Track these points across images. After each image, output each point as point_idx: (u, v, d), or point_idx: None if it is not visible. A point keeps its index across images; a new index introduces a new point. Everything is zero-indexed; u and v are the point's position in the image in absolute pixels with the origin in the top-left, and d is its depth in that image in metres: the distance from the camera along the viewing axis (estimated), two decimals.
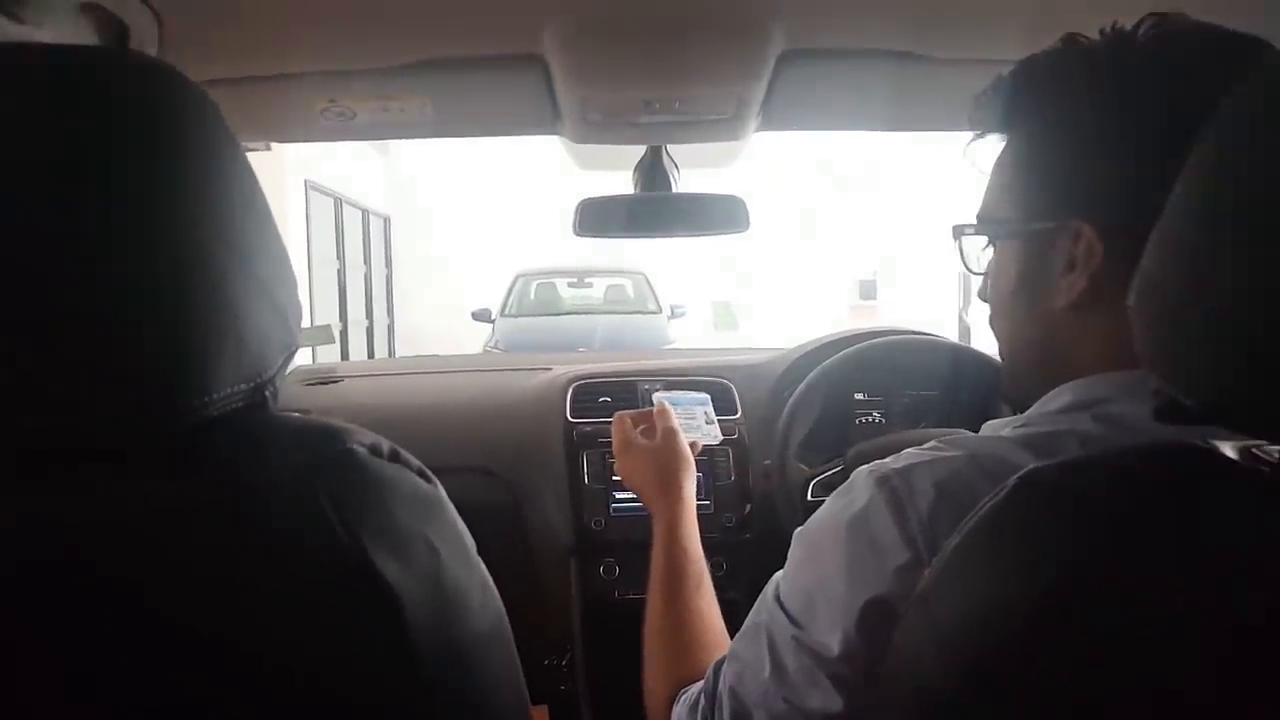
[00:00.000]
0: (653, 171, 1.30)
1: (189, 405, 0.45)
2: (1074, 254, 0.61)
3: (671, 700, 0.78)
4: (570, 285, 8.53)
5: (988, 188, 0.70)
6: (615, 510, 1.47)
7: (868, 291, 11.82)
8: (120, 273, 0.43)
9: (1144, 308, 0.45)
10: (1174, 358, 0.43)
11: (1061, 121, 0.62)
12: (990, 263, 0.72)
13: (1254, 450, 0.44)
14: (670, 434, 1.06)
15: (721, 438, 1.17)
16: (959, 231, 0.73)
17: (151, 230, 0.45)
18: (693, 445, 1.07)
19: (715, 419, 1.18)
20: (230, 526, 0.44)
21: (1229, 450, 0.44)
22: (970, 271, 0.75)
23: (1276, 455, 0.43)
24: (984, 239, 0.71)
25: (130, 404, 0.44)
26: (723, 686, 0.69)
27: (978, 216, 0.71)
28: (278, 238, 0.53)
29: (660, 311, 7.59)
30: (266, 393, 0.50)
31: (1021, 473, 0.46)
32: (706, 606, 0.90)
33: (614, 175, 1.41)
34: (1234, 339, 0.39)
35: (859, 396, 1.55)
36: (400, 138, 1.21)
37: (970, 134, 0.71)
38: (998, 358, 0.74)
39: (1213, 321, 0.40)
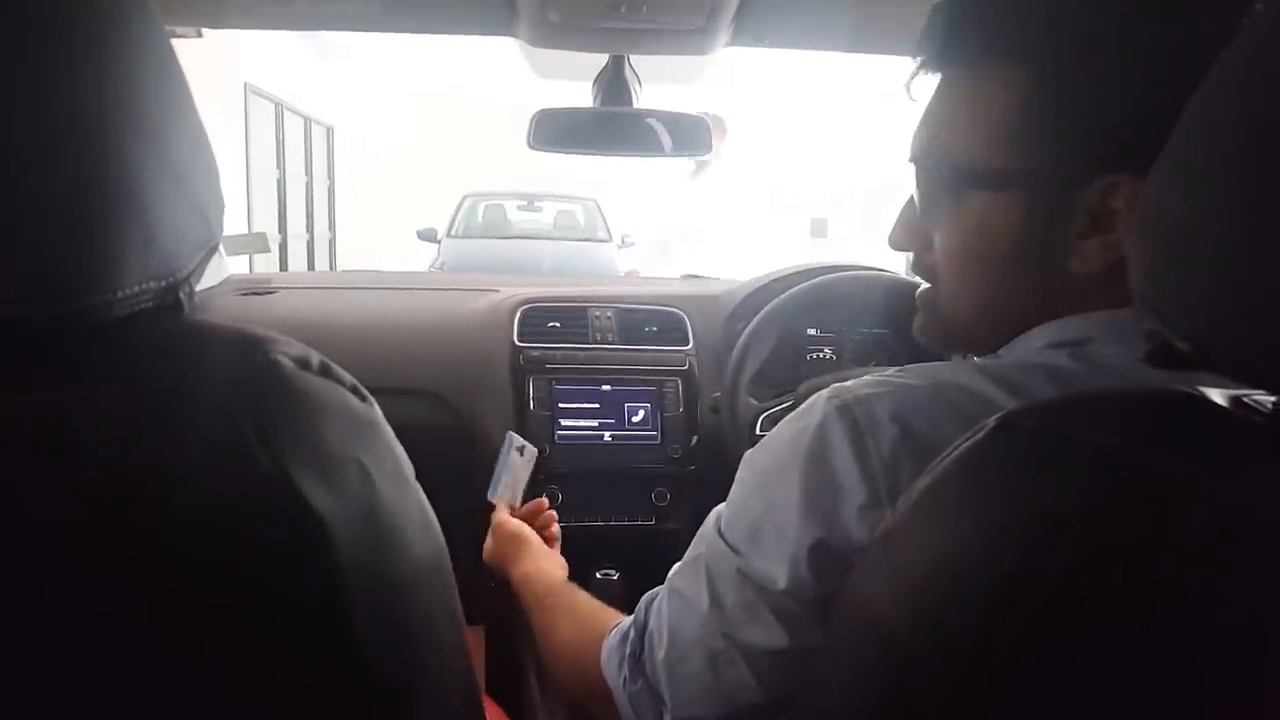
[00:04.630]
0: (614, 84, 1.23)
1: (89, 303, 0.40)
2: (1104, 212, 0.54)
3: (595, 651, 0.73)
4: (519, 208, 8.36)
5: (960, 125, 0.60)
6: (561, 437, 1.44)
7: (819, 229, 11.81)
8: (6, 149, 0.38)
9: (1144, 241, 0.42)
10: (1172, 295, 0.40)
11: (1107, 47, 0.53)
12: (951, 217, 0.61)
13: (1245, 400, 0.41)
14: (496, 527, 1.09)
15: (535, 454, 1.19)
16: (925, 180, 0.62)
17: (45, 103, 0.39)
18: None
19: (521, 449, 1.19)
20: (135, 443, 0.39)
21: (1219, 399, 0.41)
22: (916, 215, 0.65)
23: (1270, 406, 0.41)
24: (953, 187, 0.60)
25: (18, 299, 0.39)
26: (655, 623, 0.66)
27: (931, 160, 0.61)
28: (198, 124, 0.47)
29: (610, 240, 7.50)
30: (181, 294, 0.45)
31: (1000, 415, 0.43)
32: (583, 595, 0.90)
33: (573, 88, 1.34)
34: (1238, 277, 0.36)
35: (812, 332, 1.54)
36: (343, 29, 1.11)
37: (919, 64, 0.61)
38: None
39: (1217, 257, 0.37)
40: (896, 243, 0.67)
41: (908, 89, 0.64)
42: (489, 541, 1.07)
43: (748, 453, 0.63)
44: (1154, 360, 0.41)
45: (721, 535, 0.62)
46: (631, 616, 0.72)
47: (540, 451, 1.41)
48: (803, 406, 0.60)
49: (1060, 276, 0.57)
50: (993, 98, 0.57)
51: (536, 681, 1.28)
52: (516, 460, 1.17)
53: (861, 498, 0.54)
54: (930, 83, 0.63)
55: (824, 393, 0.59)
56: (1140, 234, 0.42)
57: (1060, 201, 0.56)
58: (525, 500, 1.14)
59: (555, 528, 1.12)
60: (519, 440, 1.17)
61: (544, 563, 0.99)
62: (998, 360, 0.58)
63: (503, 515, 1.10)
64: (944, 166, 0.61)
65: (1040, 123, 0.56)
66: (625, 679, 0.68)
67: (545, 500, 1.14)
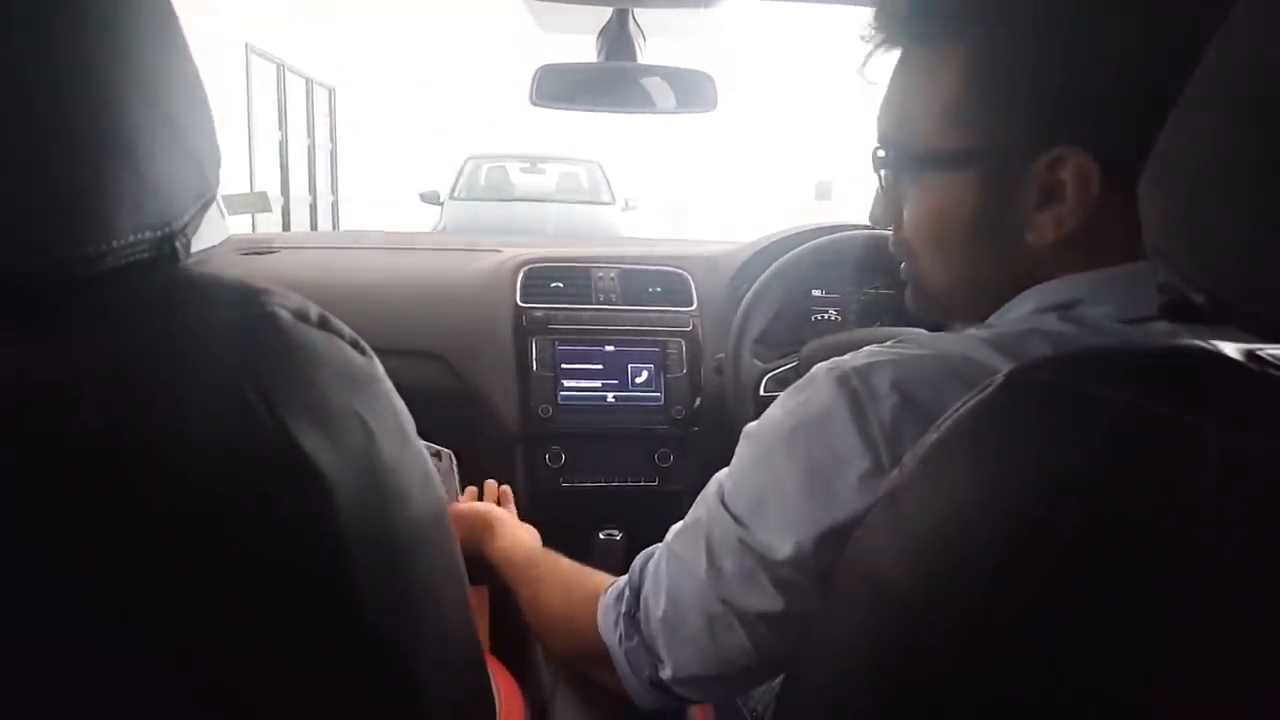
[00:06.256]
0: (618, 40, 1.21)
1: (83, 254, 0.39)
2: (1053, 184, 0.54)
3: (586, 612, 0.74)
4: (522, 170, 8.30)
5: (907, 106, 0.60)
6: (563, 399, 1.44)
7: (824, 192, 11.72)
8: None
9: (1158, 192, 0.41)
10: (1187, 247, 0.39)
11: (1046, 19, 0.54)
12: (914, 196, 0.62)
13: (1259, 354, 0.40)
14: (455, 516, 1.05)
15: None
16: (882, 164, 0.63)
17: (35, 48, 0.38)
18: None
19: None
20: (129, 396, 0.39)
21: (1233, 352, 0.41)
22: (885, 194, 0.65)
23: None
24: (911, 168, 0.61)
25: (7, 248, 0.38)
26: (652, 584, 0.67)
27: (891, 142, 0.62)
28: (194, 73, 0.46)
29: (614, 203, 7.45)
30: (177, 245, 0.44)
31: (1009, 370, 0.42)
32: (563, 560, 0.89)
33: (576, 42, 1.32)
34: (1256, 228, 0.35)
35: (816, 293, 1.53)
36: None
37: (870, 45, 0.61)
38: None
39: (1234, 208, 0.36)
40: (874, 218, 0.68)
41: (861, 72, 0.63)
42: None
43: (748, 425, 0.63)
44: (1168, 314, 0.40)
45: (724, 505, 0.62)
46: (626, 576, 0.72)
47: (543, 413, 1.41)
48: (802, 379, 0.60)
49: (1021, 250, 0.57)
50: (939, 75, 0.58)
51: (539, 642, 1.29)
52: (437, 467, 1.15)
53: (864, 466, 0.54)
54: (888, 64, 0.62)
55: (823, 365, 0.59)
56: (1153, 185, 0.41)
57: (1011, 177, 0.56)
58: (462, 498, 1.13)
59: (510, 505, 1.11)
60: (432, 447, 1.14)
61: (519, 534, 0.99)
62: (994, 329, 0.58)
63: (455, 506, 1.08)
64: (902, 148, 0.62)
65: (984, 98, 0.56)
66: (621, 636, 0.69)
67: (494, 483, 1.14)
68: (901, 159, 0.62)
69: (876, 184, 0.66)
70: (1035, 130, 0.54)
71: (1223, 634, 0.33)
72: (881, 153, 0.63)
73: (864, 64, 0.62)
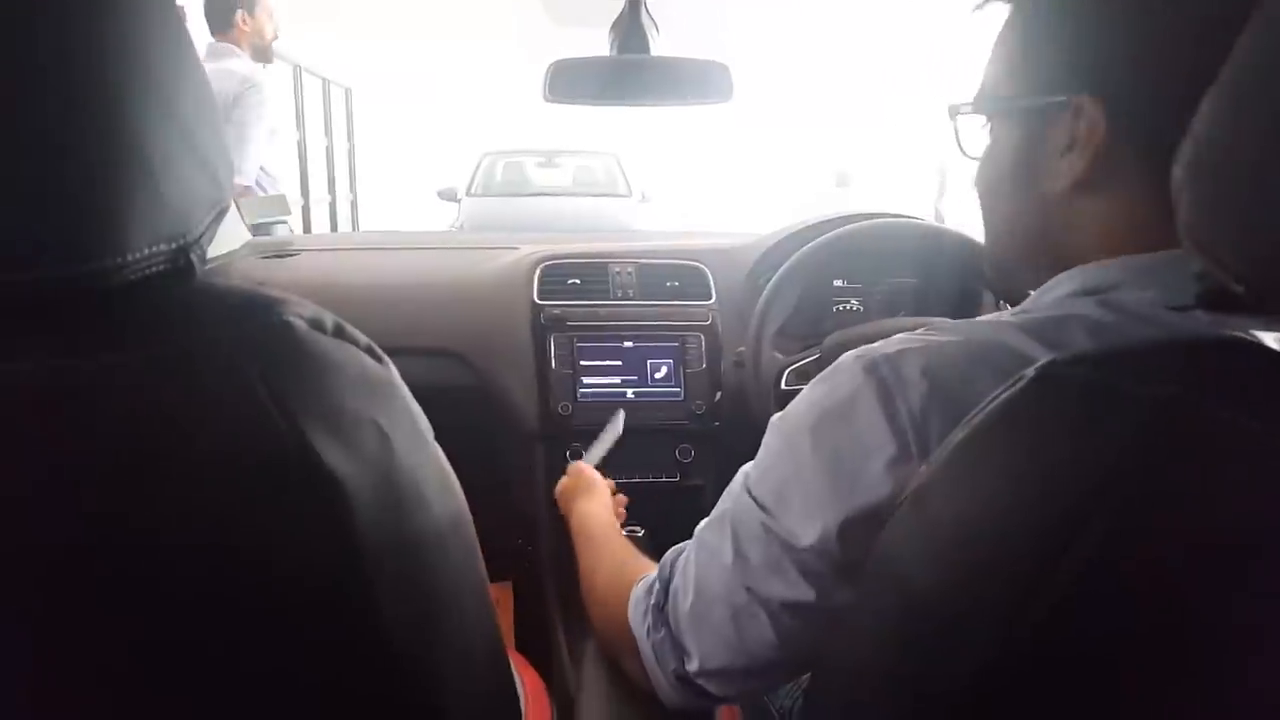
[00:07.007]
0: (631, 31, 1.19)
1: (100, 268, 0.39)
2: (1075, 132, 0.56)
3: (624, 600, 0.76)
4: (538, 165, 8.29)
5: (989, 63, 0.64)
6: (583, 395, 1.43)
7: (844, 179, 11.65)
8: (8, 110, 0.37)
9: (1197, 179, 0.39)
10: (1225, 235, 0.37)
11: None
12: (986, 145, 0.65)
13: None
14: (577, 469, 1.20)
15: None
16: (955, 111, 0.67)
17: (46, 58, 0.37)
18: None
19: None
20: (146, 407, 0.38)
21: (1273, 343, 0.39)
22: (966, 156, 0.68)
23: None
24: (981, 119, 0.65)
25: (23, 263, 0.38)
26: (681, 577, 0.67)
27: (976, 95, 0.65)
28: (204, 82, 0.46)
29: (630, 195, 7.43)
30: (192, 256, 0.44)
31: (1041, 364, 0.41)
32: (629, 546, 0.94)
33: (590, 35, 1.31)
34: None
35: (838, 284, 1.51)
36: None
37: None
38: (978, 240, 0.70)
39: (1275, 196, 0.34)
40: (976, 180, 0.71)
41: (979, 11, 0.67)
42: (563, 480, 1.18)
43: (775, 415, 0.64)
44: (1205, 303, 0.39)
45: (750, 493, 0.62)
46: (657, 570, 0.72)
47: (562, 410, 1.41)
48: (830, 367, 0.60)
49: (1040, 197, 0.60)
50: (1009, 31, 0.61)
51: (564, 636, 1.29)
52: (609, 434, 1.31)
53: (890, 452, 0.54)
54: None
55: (851, 353, 0.59)
56: (1189, 173, 0.40)
57: (1045, 124, 0.58)
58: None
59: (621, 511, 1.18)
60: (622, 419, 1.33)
61: (607, 511, 1.06)
62: (1029, 313, 0.57)
63: (584, 464, 1.21)
64: (975, 101, 0.65)
65: (1027, 47, 0.60)
66: (649, 629, 0.69)
67: (610, 483, 1.20)
68: (978, 107, 0.66)
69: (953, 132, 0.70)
70: (1065, 79, 0.56)
71: (1264, 636, 0.32)
72: (963, 103, 0.67)
73: (981, 5, 0.66)
